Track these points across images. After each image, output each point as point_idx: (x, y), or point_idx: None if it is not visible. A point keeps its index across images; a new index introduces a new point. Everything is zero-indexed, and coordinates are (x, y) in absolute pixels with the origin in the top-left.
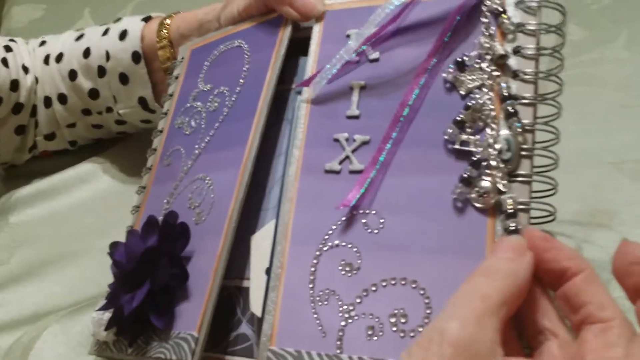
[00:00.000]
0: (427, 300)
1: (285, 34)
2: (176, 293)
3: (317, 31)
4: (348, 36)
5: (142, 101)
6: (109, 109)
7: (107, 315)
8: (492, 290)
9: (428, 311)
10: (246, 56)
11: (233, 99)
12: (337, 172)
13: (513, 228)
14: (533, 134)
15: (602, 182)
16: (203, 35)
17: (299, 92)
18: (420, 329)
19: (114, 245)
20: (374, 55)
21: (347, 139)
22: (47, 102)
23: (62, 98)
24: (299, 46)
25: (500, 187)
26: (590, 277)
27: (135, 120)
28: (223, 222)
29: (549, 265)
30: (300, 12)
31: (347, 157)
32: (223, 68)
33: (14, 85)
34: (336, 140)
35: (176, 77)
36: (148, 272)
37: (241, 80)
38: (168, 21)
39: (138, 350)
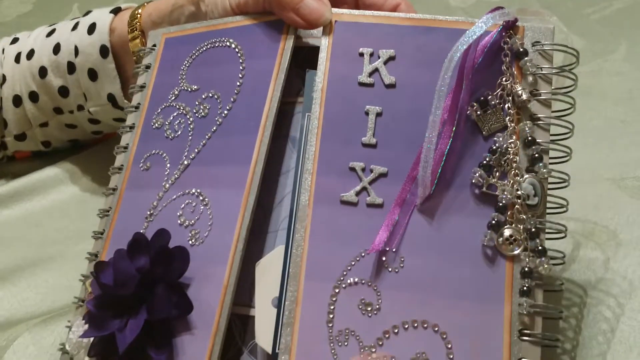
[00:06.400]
0: (449, 346)
1: (288, 44)
2: (173, 324)
3: (325, 44)
4: (361, 55)
5: (112, 98)
6: (80, 107)
7: None
8: None
9: (451, 357)
10: (240, 61)
11: (228, 107)
12: (354, 204)
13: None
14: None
15: (601, 200)
16: (174, 20)
17: (308, 110)
18: None
19: (100, 266)
20: (390, 80)
21: (363, 169)
22: (17, 101)
23: (33, 96)
24: (296, 55)
25: (524, 237)
26: None
27: (107, 119)
28: (228, 247)
29: None
30: (307, 20)
31: (364, 189)
32: (212, 69)
33: None
34: (352, 169)
35: (147, 67)
36: (142, 297)
37: (236, 89)
38: (140, 10)
39: None
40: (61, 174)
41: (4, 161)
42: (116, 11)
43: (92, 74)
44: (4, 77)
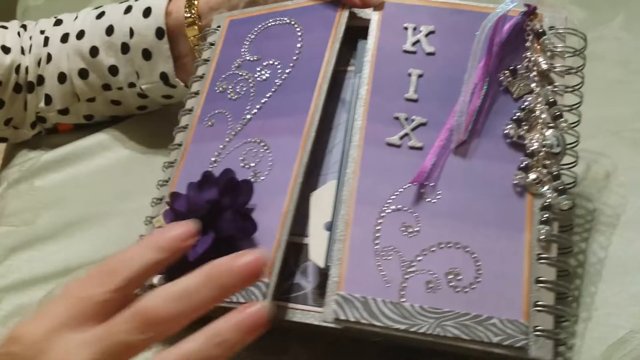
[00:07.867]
0: (478, 264)
1: (342, 18)
2: (239, 244)
3: (375, 19)
4: (405, 28)
5: (164, 76)
6: (132, 85)
7: None
8: None
9: (480, 272)
10: (299, 34)
11: (287, 72)
12: (398, 146)
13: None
14: None
15: (602, 149)
16: (232, 7)
17: (359, 71)
18: (473, 287)
19: (175, 196)
20: (430, 49)
21: (406, 119)
22: (62, 78)
23: (83, 73)
24: (347, 34)
25: (548, 179)
26: None
27: (156, 95)
28: (287, 181)
29: None
30: (362, 0)
31: (406, 134)
32: (272, 42)
33: None
34: (396, 118)
35: (211, 44)
36: (210, 223)
37: (295, 57)
38: None
39: None
40: (105, 141)
41: (42, 134)
42: None
43: (147, 54)
44: (49, 55)
